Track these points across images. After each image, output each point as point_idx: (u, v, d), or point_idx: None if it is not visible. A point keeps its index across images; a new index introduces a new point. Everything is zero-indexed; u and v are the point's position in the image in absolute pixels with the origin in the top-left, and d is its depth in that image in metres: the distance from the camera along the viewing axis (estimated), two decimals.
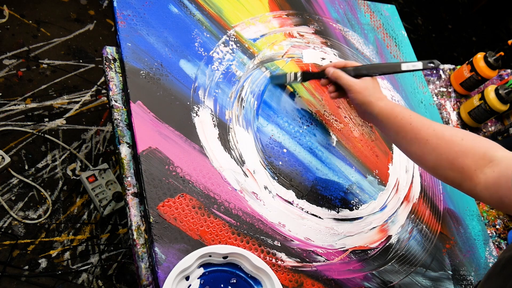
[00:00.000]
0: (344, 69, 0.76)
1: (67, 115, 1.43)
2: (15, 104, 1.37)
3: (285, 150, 0.82)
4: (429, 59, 0.71)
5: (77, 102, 1.46)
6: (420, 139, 0.65)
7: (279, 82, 0.85)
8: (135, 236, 0.65)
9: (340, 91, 0.79)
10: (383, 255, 0.82)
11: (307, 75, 0.80)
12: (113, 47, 0.80)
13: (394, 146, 0.97)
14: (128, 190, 0.68)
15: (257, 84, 0.85)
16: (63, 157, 1.36)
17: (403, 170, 0.94)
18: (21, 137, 1.34)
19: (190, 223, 0.66)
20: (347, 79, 0.74)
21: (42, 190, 1.28)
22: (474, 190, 0.59)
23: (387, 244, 0.83)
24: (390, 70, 0.73)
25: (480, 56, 1.14)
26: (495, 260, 0.73)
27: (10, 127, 1.33)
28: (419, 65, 0.70)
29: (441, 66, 1.23)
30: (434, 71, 1.21)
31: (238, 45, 0.87)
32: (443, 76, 1.22)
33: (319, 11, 1.04)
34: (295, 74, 0.81)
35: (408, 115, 0.68)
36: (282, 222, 0.74)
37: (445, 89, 1.20)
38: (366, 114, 0.75)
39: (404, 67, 0.71)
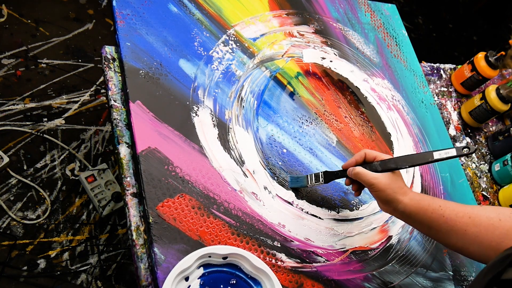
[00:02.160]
0: (368, 164, 0.69)
1: (66, 115, 1.42)
2: (13, 104, 1.37)
3: (285, 150, 0.81)
4: (460, 144, 0.64)
5: (76, 102, 1.46)
6: (457, 230, 0.61)
7: (299, 185, 0.78)
8: (134, 237, 0.65)
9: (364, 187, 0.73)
10: (384, 255, 0.81)
11: (328, 175, 0.74)
12: (112, 46, 0.80)
13: (394, 146, 0.96)
14: (127, 190, 0.68)
15: (257, 83, 0.85)
16: (62, 157, 1.35)
17: (403, 170, 0.94)
18: (20, 137, 1.33)
19: (190, 223, 0.66)
20: (368, 177, 0.67)
21: (41, 190, 1.27)
22: None
23: (387, 245, 0.83)
24: (421, 161, 0.67)
25: (481, 55, 1.14)
26: None
27: (8, 127, 1.33)
28: (453, 151, 0.65)
29: (442, 66, 1.23)
30: (435, 71, 1.21)
31: (237, 44, 0.86)
32: (443, 75, 1.22)
33: (319, 10, 1.04)
34: (316, 175, 0.75)
35: (438, 206, 0.64)
36: (282, 222, 0.74)
37: (445, 89, 1.20)
38: (391, 211, 0.68)
39: (436, 155, 0.65)
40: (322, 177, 0.74)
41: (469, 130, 1.16)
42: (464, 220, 0.60)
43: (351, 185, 0.73)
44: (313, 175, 0.76)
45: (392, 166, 0.67)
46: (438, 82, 1.20)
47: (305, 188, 0.79)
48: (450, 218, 0.62)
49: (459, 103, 1.20)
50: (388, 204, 0.67)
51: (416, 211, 0.65)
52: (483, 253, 0.58)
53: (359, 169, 0.69)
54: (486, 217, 0.59)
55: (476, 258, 0.61)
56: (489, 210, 0.61)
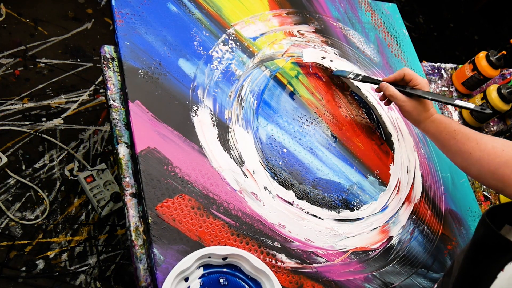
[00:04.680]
0: (400, 87, 0.81)
1: (64, 114, 1.42)
2: (12, 104, 1.36)
3: (285, 150, 0.81)
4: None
5: (75, 102, 1.45)
6: (464, 152, 0.71)
7: (341, 74, 0.94)
8: (133, 237, 0.64)
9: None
10: (384, 256, 0.81)
11: (366, 78, 0.88)
12: (111, 46, 0.79)
13: (394, 146, 0.96)
14: (127, 190, 0.67)
15: (257, 83, 0.84)
16: (60, 157, 1.35)
17: (404, 170, 0.94)
18: (18, 137, 1.33)
19: (189, 224, 0.65)
20: (398, 99, 0.80)
21: (40, 190, 1.27)
22: None
23: (388, 245, 0.82)
24: (443, 100, 0.79)
25: (482, 55, 1.13)
26: None
27: (7, 127, 1.32)
28: (471, 105, 0.76)
29: (443, 65, 1.23)
30: (436, 70, 1.20)
31: (237, 44, 0.86)
32: (444, 75, 1.21)
33: (320, 9, 1.03)
34: (357, 74, 0.90)
35: (453, 130, 0.74)
36: (282, 223, 0.73)
37: (446, 89, 1.19)
38: (418, 127, 0.83)
39: (458, 102, 0.77)
40: (360, 77, 0.89)
41: None
42: (472, 145, 0.70)
43: (384, 102, 0.88)
44: (355, 72, 0.91)
45: (419, 93, 0.78)
46: (439, 81, 1.19)
47: (305, 186, 0.79)
48: (461, 141, 0.72)
49: None
50: (414, 122, 0.82)
51: (433, 131, 0.78)
52: (481, 176, 0.68)
53: (393, 90, 0.81)
54: (492, 145, 0.68)
55: (473, 176, 0.72)
56: (496, 140, 0.68)
